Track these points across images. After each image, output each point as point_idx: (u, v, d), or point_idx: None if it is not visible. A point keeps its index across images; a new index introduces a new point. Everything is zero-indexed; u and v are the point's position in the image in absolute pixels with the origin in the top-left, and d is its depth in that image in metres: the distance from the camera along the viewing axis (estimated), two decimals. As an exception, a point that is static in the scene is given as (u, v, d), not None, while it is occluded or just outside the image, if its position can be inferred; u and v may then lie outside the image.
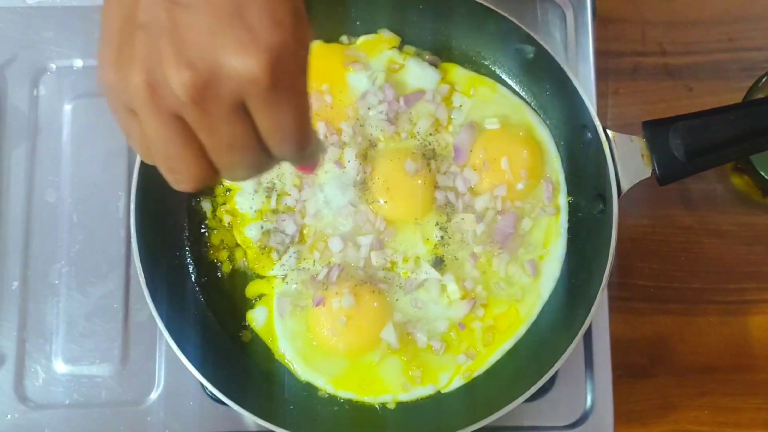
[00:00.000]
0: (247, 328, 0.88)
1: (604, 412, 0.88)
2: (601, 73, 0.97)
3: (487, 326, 0.87)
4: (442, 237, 0.88)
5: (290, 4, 0.47)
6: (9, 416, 0.88)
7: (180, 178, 0.50)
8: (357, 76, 0.91)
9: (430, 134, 0.91)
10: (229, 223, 0.90)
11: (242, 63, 0.44)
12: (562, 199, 0.90)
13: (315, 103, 0.89)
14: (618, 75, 1.01)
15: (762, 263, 0.98)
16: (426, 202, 0.88)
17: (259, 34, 0.45)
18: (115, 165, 0.93)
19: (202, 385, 0.80)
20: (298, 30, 0.47)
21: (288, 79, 0.47)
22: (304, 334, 0.87)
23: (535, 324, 0.88)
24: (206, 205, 0.91)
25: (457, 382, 0.86)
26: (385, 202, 0.87)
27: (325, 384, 0.86)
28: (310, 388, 0.86)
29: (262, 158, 0.50)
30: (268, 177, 0.90)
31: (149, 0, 0.46)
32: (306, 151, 0.52)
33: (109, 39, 0.48)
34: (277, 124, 0.48)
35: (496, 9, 0.85)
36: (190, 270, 0.90)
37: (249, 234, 0.89)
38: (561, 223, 0.90)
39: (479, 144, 0.90)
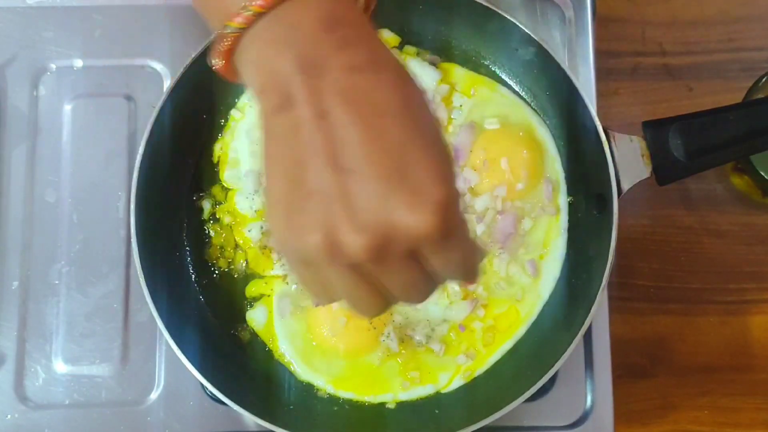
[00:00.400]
0: (247, 328, 0.88)
1: (604, 412, 0.88)
2: (601, 73, 0.97)
3: (487, 326, 0.87)
4: (442, 237, 0.88)
5: (447, 158, 0.50)
6: (9, 416, 0.88)
7: (365, 311, 0.55)
8: (357, 76, 0.91)
9: (430, 134, 0.91)
10: (229, 224, 0.90)
11: (414, 222, 0.47)
12: (562, 199, 0.90)
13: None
14: (618, 75, 1.01)
15: (762, 263, 0.98)
16: (426, 202, 0.88)
17: (425, 193, 0.48)
18: (115, 165, 0.93)
19: (202, 385, 0.80)
20: (454, 178, 0.51)
21: (455, 225, 0.50)
22: (304, 334, 0.87)
23: (535, 324, 0.88)
24: (206, 205, 0.91)
25: (457, 382, 0.86)
26: (385, 202, 0.87)
27: (325, 384, 0.86)
28: (310, 388, 0.86)
29: (432, 285, 0.54)
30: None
31: (317, 168, 0.48)
32: (474, 272, 0.57)
33: (280, 202, 0.51)
34: (448, 263, 0.52)
35: (496, 9, 0.85)
36: (190, 270, 0.90)
37: (249, 234, 0.89)
38: (561, 223, 0.90)
39: (479, 144, 0.90)
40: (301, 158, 0.49)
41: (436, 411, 0.85)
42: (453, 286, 0.87)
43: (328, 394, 0.86)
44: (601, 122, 0.83)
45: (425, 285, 0.54)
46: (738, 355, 0.96)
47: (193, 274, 0.90)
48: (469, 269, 0.55)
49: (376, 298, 0.53)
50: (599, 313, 0.89)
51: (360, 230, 0.47)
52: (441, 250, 0.50)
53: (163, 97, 0.84)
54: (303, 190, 0.49)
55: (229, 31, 0.52)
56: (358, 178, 0.47)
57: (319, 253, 0.49)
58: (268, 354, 0.88)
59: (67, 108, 0.95)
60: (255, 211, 0.89)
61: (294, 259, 0.53)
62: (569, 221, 0.90)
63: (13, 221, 0.92)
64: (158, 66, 0.96)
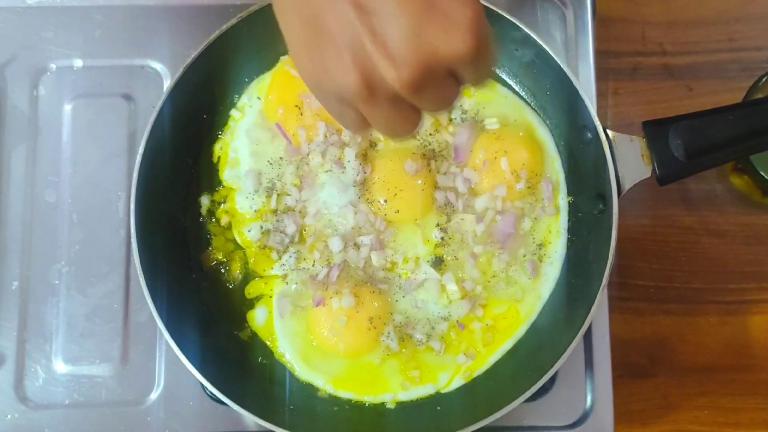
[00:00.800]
0: (247, 328, 0.88)
1: (604, 412, 0.88)
2: (601, 73, 0.97)
3: (486, 326, 0.87)
4: (442, 237, 0.88)
5: None
6: (9, 416, 0.88)
7: (400, 134, 0.58)
8: (357, 76, 0.91)
9: (430, 134, 0.91)
10: (229, 223, 0.90)
11: (451, 47, 0.50)
12: (562, 199, 0.90)
13: (315, 103, 0.89)
14: (618, 75, 1.01)
15: (762, 263, 0.98)
16: (426, 203, 0.88)
17: (456, 18, 0.50)
18: (115, 165, 0.93)
19: (202, 385, 0.80)
20: None
21: (487, 41, 0.52)
22: (304, 334, 0.87)
23: (535, 324, 0.88)
24: (206, 205, 0.91)
25: (457, 382, 0.86)
26: (385, 202, 0.87)
27: (325, 384, 0.86)
28: (310, 388, 0.86)
29: (460, 94, 0.57)
30: (268, 177, 0.90)
31: (336, 9, 0.50)
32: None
33: (303, 43, 0.53)
34: (480, 74, 0.55)
35: (495, 9, 0.85)
36: (190, 270, 0.90)
37: (249, 234, 0.89)
38: (561, 223, 0.90)
39: (479, 144, 0.90)
40: (317, 3, 0.51)
41: (436, 411, 0.85)
42: (451, 286, 0.87)
43: (328, 394, 0.86)
44: (601, 122, 0.83)
45: (457, 96, 0.56)
46: (738, 355, 0.96)
47: (193, 274, 0.90)
48: (491, 67, 0.57)
49: (414, 120, 0.56)
50: (599, 313, 0.89)
51: (402, 65, 0.50)
52: (476, 64, 0.52)
53: (163, 97, 0.84)
54: (326, 32, 0.51)
55: None
56: (385, 17, 0.49)
57: (358, 92, 0.51)
58: (268, 354, 0.88)
59: (67, 108, 0.95)
60: (255, 210, 0.89)
61: (332, 99, 0.55)
62: (569, 221, 0.90)
63: (13, 221, 0.92)
64: (158, 66, 0.96)
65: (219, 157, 0.92)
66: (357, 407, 0.86)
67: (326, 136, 0.89)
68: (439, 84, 0.53)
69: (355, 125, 0.57)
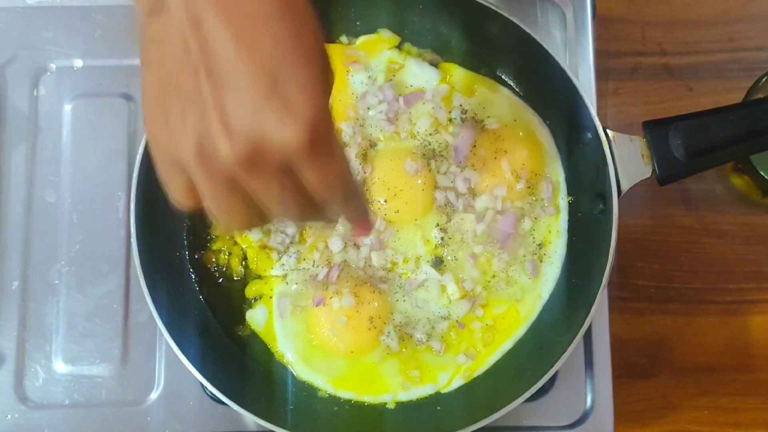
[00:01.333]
0: (247, 328, 0.88)
1: (604, 412, 0.88)
2: (601, 73, 0.97)
3: (486, 326, 0.87)
4: (442, 237, 0.88)
5: (320, 73, 0.51)
6: (9, 416, 0.88)
7: (231, 224, 0.55)
8: (357, 76, 0.91)
9: (430, 134, 0.91)
10: (229, 223, 0.90)
11: (283, 134, 0.49)
12: (562, 199, 0.90)
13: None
14: (618, 75, 1.01)
15: (762, 263, 0.98)
16: (426, 203, 0.88)
17: (295, 107, 0.49)
18: (115, 165, 0.93)
19: (202, 385, 0.80)
20: (327, 91, 0.52)
21: (325, 140, 0.51)
22: (304, 334, 0.87)
23: (535, 324, 0.88)
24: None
25: (457, 382, 0.86)
26: (385, 202, 0.87)
27: (325, 384, 0.86)
28: (310, 388, 0.86)
29: (310, 205, 0.55)
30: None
31: (190, 74, 0.50)
32: (352, 202, 0.58)
33: (154, 98, 0.53)
34: (320, 179, 0.53)
35: (496, 9, 0.85)
36: (190, 270, 0.90)
37: (249, 234, 0.89)
38: (561, 223, 0.90)
39: (479, 144, 0.90)
40: (175, 66, 0.50)
41: (436, 411, 0.85)
42: (451, 286, 0.87)
43: (328, 394, 0.86)
44: (601, 122, 0.83)
45: (301, 202, 0.54)
46: (738, 355, 0.96)
47: (193, 274, 0.90)
48: (345, 188, 0.55)
49: (245, 209, 0.54)
50: (599, 313, 0.89)
51: (232, 137, 0.49)
52: (313, 165, 0.51)
53: (163, 97, 0.83)
54: (177, 91, 0.50)
55: None
56: (232, 91, 0.49)
57: (191, 158, 0.50)
58: (268, 354, 0.88)
59: (67, 108, 0.95)
60: (255, 211, 0.89)
61: (165, 159, 0.54)
62: (569, 221, 0.90)
63: (13, 221, 0.92)
64: (158, 66, 0.95)
65: (219, 157, 0.92)
66: (357, 407, 0.86)
67: (326, 136, 0.88)
68: (273, 176, 0.51)
69: (180, 193, 0.55)
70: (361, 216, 0.61)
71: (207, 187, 0.52)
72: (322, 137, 0.50)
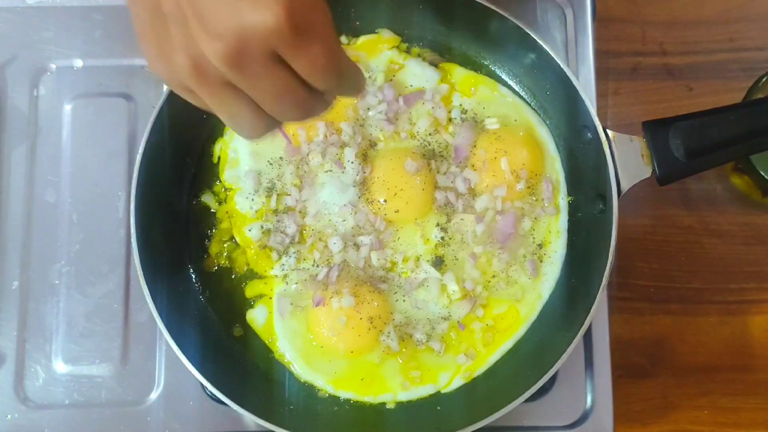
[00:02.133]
0: (247, 328, 0.88)
1: (604, 412, 0.88)
2: (601, 73, 0.97)
3: (486, 326, 0.87)
4: (442, 237, 0.88)
5: None
6: (9, 416, 0.88)
7: (246, 131, 0.56)
8: (357, 76, 0.91)
9: (430, 134, 0.91)
10: (229, 223, 0.90)
11: (260, 18, 0.49)
12: (562, 199, 0.90)
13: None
14: (618, 75, 1.01)
15: (762, 263, 0.98)
16: (426, 203, 0.88)
17: None
18: (115, 165, 0.93)
19: (202, 385, 0.80)
20: None
21: (306, 20, 0.50)
22: (304, 334, 0.87)
23: (535, 324, 0.88)
24: (206, 204, 0.91)
25: (457, 382, 0.86)
26: (385, 201, 0.87)
27: (325, 384, 0.86)
28: (310, 388, 0.86)
29: (310, 98, 0.55)
30: (268, 177, 0.90)
31: None
32: (347, 80, 0.56)
33: (144, 33, 0.53)
34: (310, 63, 0.52)
35: (496, 9, 0.85)
36: (190, 270, 0.90)
37: (249, 234, 0.89)
38: (561, 223, 0.90)
39: (479, 144, 0.90)
40: None
41: (436, 411, 0.85)
42: (452, 286, 0.87)
43: (328, 394, 0.86)
44: (601, 122, 0.83)
45: (298, 94, 0.53)
46: (738, 355, 0.96)
47: (193, 274, 0.90)
48: (337, 70, 0.54)
49: (252, 113, 0.54)
50: (599, 313, 0.89)
51: (214, 38, 0.49)
52: (299, 49, 0.51)
53: (163, 97, 0.84)
54: (160, 15, 0.51)
55: None
56: None
57: (188, 74, 0.51)
58: (268, 354, 0.88)
59: (67, 108, 0.95)
60: (255, 211, 0.89)
61: (174, 85, 0.54)
62: (569, 221, 0.90)
63: (13, 221, 0.92)
64: (158, 66, 0.96)
65: (219, 157, 0.92)
66: (357, 407, 0.86)
67: (326, 136, 0.89)
68: (264, 69, 0.51)
69: (205, 107, 0.56)
70: (357, 91, 0.60)
71: (210, 97, 0.53)
72: (303, 17, 0.50)
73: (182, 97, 0.56)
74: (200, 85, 0.52)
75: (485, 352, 0.87)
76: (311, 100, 0.55)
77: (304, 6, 0.50)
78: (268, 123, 0.56)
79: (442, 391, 0.86)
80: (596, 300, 0.80)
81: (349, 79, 0.57)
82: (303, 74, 0.53)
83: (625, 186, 0.82)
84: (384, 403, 0.86)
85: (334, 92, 0.57)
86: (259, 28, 0.49)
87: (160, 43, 0.52)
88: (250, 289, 0.89)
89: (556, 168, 0.91)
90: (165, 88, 0.92)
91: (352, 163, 0.87)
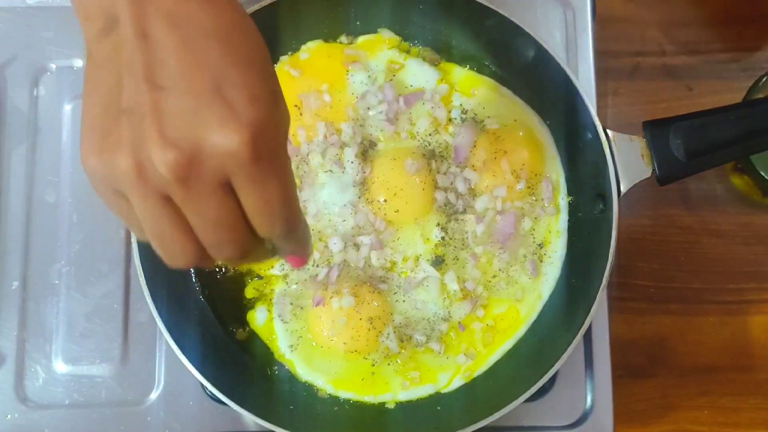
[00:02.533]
0: (247, 328, 0.88)
1: (604, 412, 0.88)
2: (601, 73, 0.97)
3: (487, 326, 0.87)
4: (442, 237, 0.88)
5: (267, 83, 0.49)
6: (9, 416, 0.88)
7: (171, 256, 0.51)
8: (357, 76, 0.91)
9: (430, 134, 0.91)
10: (229, 223, 0.90)
11: (223, 138, 0.46)
12: (562, 199, 0.90)
13: (315, 103, 0.89)
14: (618, 75, 1.01)
15: (762, 263, 0.98)
16: (426, 203, 0.88)
17: (238, 110, 0.46)
18: (115, 165, 0.93)
19: (202, 385, 0.80)
20: (276, 107, 0.49)
21: (269, 153, 0.48)
22: (304, 334, 0.87)
23: (535, 324, 0.88)
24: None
25: (457, 382, 0.86)
26: (385, 201, 0.87)
27: (325, 384, 0.86)
28: (310, 388, 0.86)
29: (249, 239, 0.51)
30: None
31: (131, 86, 0.47)
32: (294, 233, 0.53)
33: (92, 126, 0.49)
34: (261, 201, 0.49)
35: (496, 9, 0.85)
36: (190, 270, 0.90)
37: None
38: (561, 223, 0.90)
39: (479, 144, 0.90)
40: (118, 79, 0.47)
41: (436, 411, 0.85)
42: (453, 286, 0.87)
43: (329, 394, 0.86)
44: (601, 122, 0.83)
45: (237, 231, 0.50)
46: (738, 355, 0.96)
47: (193, 274, 0.90)
48: (287, 217, 0.50)
49: (184, 238, 0.49)
50: (599, 313, 0.89)
51: (168, 144, 0.45)
52: (252, 181, 0.47)
53: (163, 97, 0.83)
54: (116, 110, 0.47)
55: None
56: (172, 94, 0.46)
57: (126, 176, 0.47)
58: (268, 354, 0.88)
59: (67, 108, 0.95)
60: (255, 211, 0.89)
61: (103, 187, 0.50)
62: (569, 221, 0.90)
63: (13, 221, 0.92)
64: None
65: (219, 157, 0.92)
66: (357, 407, 0.86)
67: (326, 136, 0.89)
68: (210, 193, 0.47)
69: (130, 225, 0.52)
70: (300, 252, 0.57)
71: (142, 207, 0.48)
72: (266, 148, 0.47)
73: (105, 203, 0.51)
74: (136, 191, 0.47)
75: (485, 352, 0.87)
76: (250, 243, 0.51)
77: (270, 140, 0.48)
78: (196, 254, 0.51)
79: (442, 391, 0.86)
80: (596, 300, 0.80)
81: (297, 233, 0.53)
82: (250, 212, 0.49)
83: (625, 186, 0.82)
84: (384, 403, 0.86)
85: (277, 243, 0.53)
86: (220, 148, 0.46)
87: (104, 137, 0.47)
88: (250, 289, 0.89)
89: (556, 168, 0.91)
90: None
91: (352, 163, 0.87)
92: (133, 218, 0.50)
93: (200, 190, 0.47)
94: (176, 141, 0.45)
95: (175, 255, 0.51)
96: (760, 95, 0.92)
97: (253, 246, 0.52)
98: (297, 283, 0.88)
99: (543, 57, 0.86)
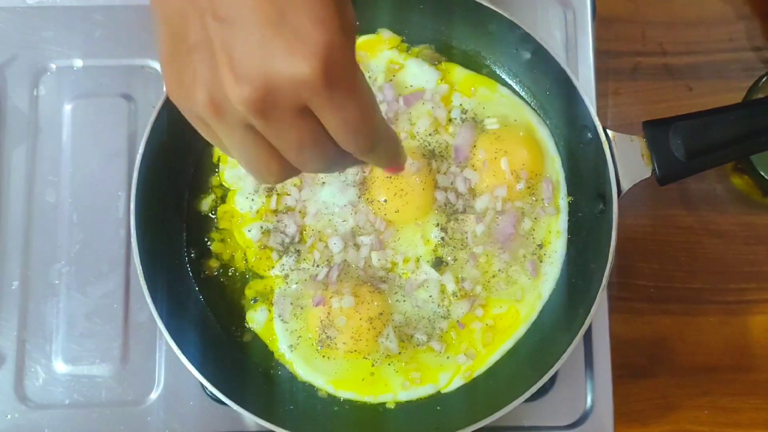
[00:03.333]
0: (247, 328, 0.88)
1: (604, 412, 0.88)
2: (601, 73, 0.97)
3: (486, 326, 0.87)
4: (442, 237, 0.88)
5: (334, 5, 0.48)
6: (9, 416, 0.88)
7: (261, 176, 0.53)
8: (357, 76, 0.91)
9: (430, 134, 0.91)
10: (229, 223, 0.90)
11: (294, 68, 0.45)
12: (562, 199, 0.90)
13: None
14: (618, 75, 1.01)
15: (762, 263, 0.98)
16: (426, 203, 0.88)
17: (305, 37, 0.45)
18: (115, 165, 0.93)
19: (202, 385, 0.80)
20: (344, 24, 0.48)
21: (342, 74, 0.47)
22: (304, 334, 0.87)
23: (535, 324, 0.88)
24: (206, 205, 0.91)
25: (457, 382, 0.86)
26: (385, 201, 0.87)
27: (325, 384, 0.86)
28: (310, 388, 0.86)
29: (335, 154, 0.51)
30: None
31: (196, 20, 0.47)
32: (379, 146, 0.53)
33: (167, 59, 0.50)
34: (342, 121, 0.49)
35: (496, 9, 0.85)
36: (190, 270, 0.90)
37: (249, 234, 0.89)
38: (561, 223, 0.90)
39: (479, 144, 0.90)
40: (183, 17, 0.48)
41: (436, 411, 0.85)
42: (451, 286, 0.87)
43: (329, 394, 0.86)
44: (601, 122, 0.83)
45: (324, 149, 0.50)
46: (738, 355, 0.96)
47: (193, 274, 0.90)
48: (369, 133, 0.50)
49: (271, 159, 0.51)
50: (599, 313, 0.89)
51: (241, 81, 0.46)
52: (331, 103, 0.47)
53: (162, 97, 0.84)
54: (186, 44, 0.48)
55: None
56: (238, 28, 0.46)
57: (206, 111, 0.48)
58: (268, 354, 0.88)
59: (67, 108, 0.95)
60: (255, 211, 0.89)
61: (190, 117, 0.51)
62: (569, 221, 0.90)
63: (13, 221, 0.92)
64: (158, 66, 0.95)
65: (219, 157, 0.92)
66: (357, 407, 0.86)
67: (326, 136, 0.88)
68: (289, 120, 0.47)
69: (221, 149, 0.53)
70: (391, 161, 0.56)
71: (228, 137, 0.50)
72: (340, 71, 0.46)
73: (198, 129, 0.53)
74: (217, 123, 0.49)
75: (485, 352, 0.87)
76: (338, 158, 0.52)
77: (343, 62, 0.47)
78: (287, 171, 0.52)
79: (442, 391, 0.86)
80: (596, 300, 0.80)
81: (383, 146, 0.53)
82: (332, 133, 0.49)
83: (625, 186, 0.82)
84: (384, 403, 0.86)
85: (364, 157, 0.53)
86: (292, 78, 0.45)
87: (180, 72, 0.49)
88: (250, 289, 0.89)
89: (556, 168, 0.91)
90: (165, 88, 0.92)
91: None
92: (221, 143, 0.52)
93: (279, 119, 0.47)
94: (248, 76, 0.45)
95: (263, 175, 0.53)
96: (760, 95, 0.92)
97: (341, 158, 0.52)
98: (297, 283, 0.88)
99: (543, 57, 0.86)
